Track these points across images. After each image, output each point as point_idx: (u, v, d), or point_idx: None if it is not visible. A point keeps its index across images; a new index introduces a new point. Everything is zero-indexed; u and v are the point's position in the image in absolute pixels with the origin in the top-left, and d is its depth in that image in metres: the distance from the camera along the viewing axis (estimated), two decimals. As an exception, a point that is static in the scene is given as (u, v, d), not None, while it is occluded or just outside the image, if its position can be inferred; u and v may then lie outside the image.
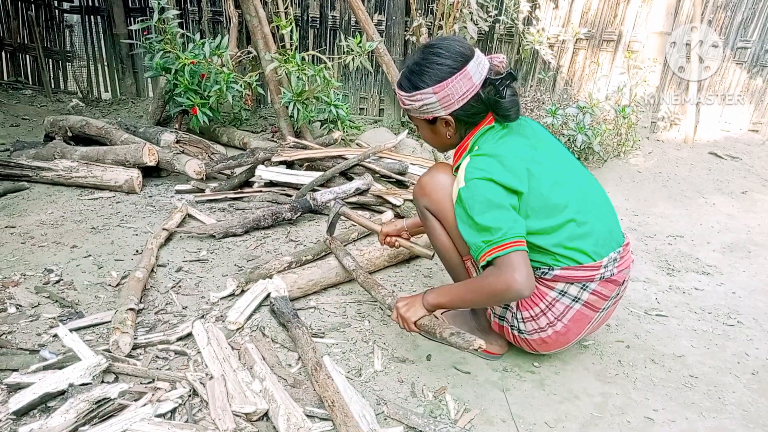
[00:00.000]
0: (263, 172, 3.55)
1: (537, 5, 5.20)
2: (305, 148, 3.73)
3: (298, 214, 3.19)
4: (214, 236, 2.92)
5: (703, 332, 2.43)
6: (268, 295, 2.30)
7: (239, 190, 3.58)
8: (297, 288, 2.35)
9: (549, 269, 1.76)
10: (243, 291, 2.35)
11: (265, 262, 2.59)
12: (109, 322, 2.01)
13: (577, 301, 1.79)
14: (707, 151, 5.11)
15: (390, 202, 3.44)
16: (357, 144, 4.25)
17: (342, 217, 2.57)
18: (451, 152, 1.90)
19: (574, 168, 1.84)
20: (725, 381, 2.05)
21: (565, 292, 1.78)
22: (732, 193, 4.43)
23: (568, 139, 4.21)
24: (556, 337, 1.83)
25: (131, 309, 1.97)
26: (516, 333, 1.89)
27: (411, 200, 3.42)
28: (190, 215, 3.21)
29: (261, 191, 3.58)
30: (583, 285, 1.77)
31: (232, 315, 2.10)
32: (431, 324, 1.72)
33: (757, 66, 5.23)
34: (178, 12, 4.24)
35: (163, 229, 2.85)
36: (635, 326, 2.43)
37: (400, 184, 3.77)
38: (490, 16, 5.03)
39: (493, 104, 1.72)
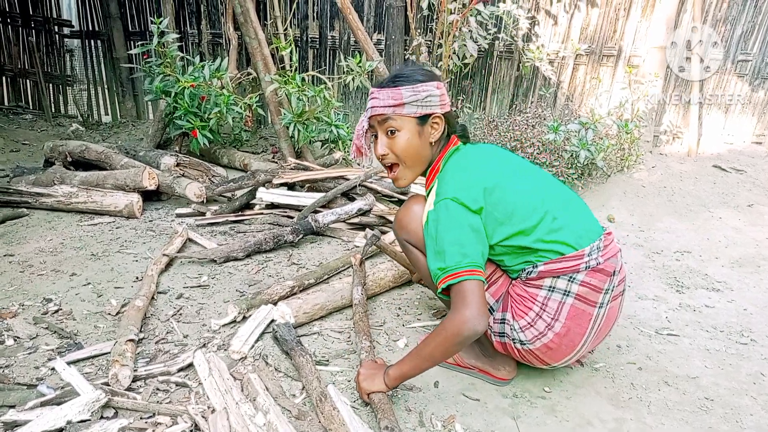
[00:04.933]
0: (264, 195, 3.53)
1: (536, 22, 5.21)
2: (306, 169, 3.71)
3: (300, 236, 3.16)
4: (215, 261, 2.89)
5: (716, 352, 2.38)
6: (272, 322, 2.26)
7: (240, 213, 3.55)
8: (303, 313, 2.31)
9: (533, 267, 1.76)
10: (245, 318, 2.31)
11: (267, 287, 2.55)
12: (109, 353, 1.97)
13: (568, 295, 1.75)
14: (711, 164, 5.08)
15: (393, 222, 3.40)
16: (358, 164, 4.23)
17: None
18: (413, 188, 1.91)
19: (539, 175, 1.90)
20: (742, 403, 1.99)
21: (554, 287, 1.75)
22: (738, 207, 4.39)
23: (571, 155, 4.18)
24: (559, 340, 1.78)
25: (131, 340, 1.93)
26: (519, 347, 1.84)
27: (417, 194, 3.39)
28: (190, 239, 3.18)
29: (262, 213, 3.55)
30: (570, 277, 1.74)
31: (236, 344, 2.05)
32: (378, 404, 1.71)
33: (759, 78, 5.22)
34: (177, 35, 4.25)
35: (164, 254, 2.82)
36: (646, 346, 2.38)
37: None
38: (490, 34, 5.03)
39: (455, 123, 1.92)
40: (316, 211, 3.46)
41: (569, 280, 1.75)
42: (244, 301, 2.36)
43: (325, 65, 5.66)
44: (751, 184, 4.78)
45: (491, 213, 1.72)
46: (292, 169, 3.66)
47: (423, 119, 1.82)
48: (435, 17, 5.04)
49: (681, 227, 3.99)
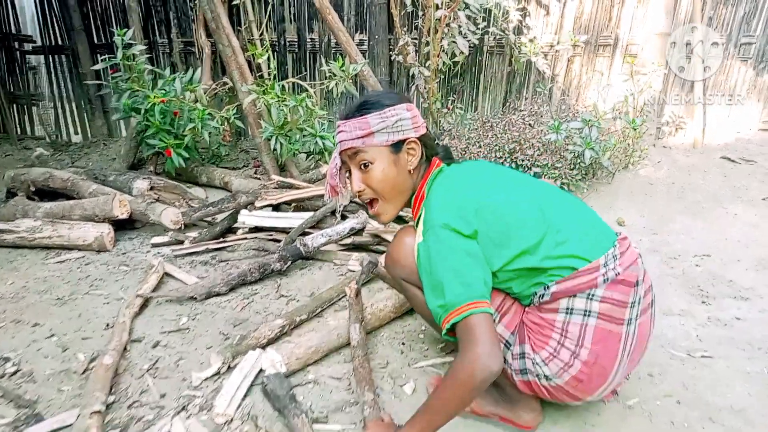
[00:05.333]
0: (247, 218, 3.30)
1: (527, 13, 5.01)
2: (291, 187, 3.48)
3: (289, 263, 2.93)
4: (196, 298, 2.65)
5: (758, 374, 2.19)
6: (261, 371, 2.04)
7: (222, 239, 3.32)
8: (295, 359, 2.09)
9: (545, 289, 1.58)
10: (230, 368, 2.08)
11: (254, 328, 2.32)
12: (72, 425, 1.73)
13: (589, 315, 1.55)
14: (719, 155, 4.90)
15: (388, 241, 3.19)
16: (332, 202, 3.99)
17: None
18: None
19: (534, 185, 1.74)
20: (800, 441, 1.79)
21: (572, 309, 1.56)
22: (752, 201, 4.21)
23: (574, 155, 3.98)
24: (589, 370, 1.57)
25: (96, 412, 1.69)
26: (546, 383, 1.63)
27: (409, 224, 3.18)
28: (168, 274, 2.94)
29: (246, 238, 3.32)
30: (589, 294, 1.55)
31: (220, 404, 1.83)
32: None
33: (763, 62, 5.05)
34: (145, 46, 4.01)
35: (137, 296, 2.58)
36: (680, 373, 2.18)
37: (399, 219, 3.52)
38: (479, 29, 4.83)
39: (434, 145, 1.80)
40: (304, 233, 3.23)
41: (588, 298, 1.56)
42: (229, 348, 2.14)
43: (306, 70, 5.43)
44: (763, 175, 4.60)
45: (487, 234, 1.56)
46: (275, 188, 3.43)
47: (397, 146, 1.70)
48: (420, 13, 4.83)
49: (696, 227, 3.80)
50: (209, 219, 3.56)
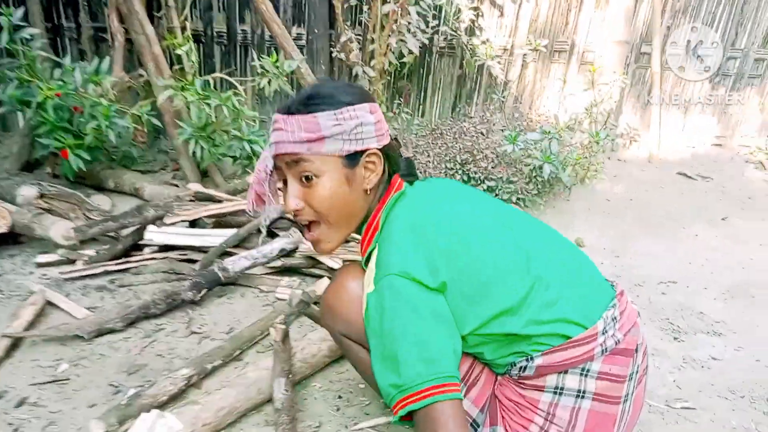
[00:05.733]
0: (155, 235, 2.83)
1: (480, 13, 4.74)
2: (210, 199, 3.04)
3: (203, 291, 2.49)
4: (83, 337, 2.18)
5: (745, 430, 1.95)
6: (155, 443, 1.61)
7: (124, 259, 2.83)
8: (202, 425, 1.68)
9: (528, 360, 1.24)
10: (115, 439, 1.64)
11: (153, 382, 1.88)
12: None
13: (583, 397, 1.23)
14: (675, 170, 4.79)
15: (324, 266, 2.81)
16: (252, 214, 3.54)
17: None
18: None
19: (517, 220, 1.39)
20: None
21: (562, 389, 1.24)
22: (711, 221, 4.08)
23: (532, 169, 3.71)
24: None
25: None
26: None
27: (352, 260, 2.80)
28: (51, 303, 2.44)
29: (154, 258, 2.86)
30: (583, 369, 1.23)
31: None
32: None
33: (719, 75, 4.97)
34: (39, 30, 3.47)
35: (4, 335, 2.08)
36: (662, 429, 1.92)
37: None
38: (430, 27, 4.51)
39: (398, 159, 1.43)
40: (226, 253, 2.80)
41: (582, 375, 1.24)
42: (116, 411, 1.70)
43: (236, 65, 4.96)
44: (720, 193, 4.51)
45: (458, 287, 1.21)
46: (191, 200, 2.98)
47: (352, 158, 1.30)
48: (366, 7, 4.47)
49: (658, 249, 3.60)
50: (113, 233, 3.05)
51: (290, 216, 1.40)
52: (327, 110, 1.25)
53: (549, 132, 3.62)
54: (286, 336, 1.93)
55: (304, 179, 1.30)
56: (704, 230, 3.92)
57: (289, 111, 1.28)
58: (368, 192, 1.34)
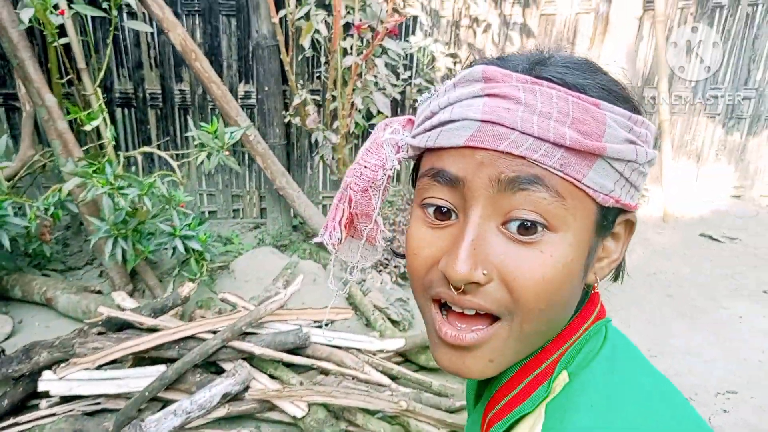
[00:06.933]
0: (53, 384, 2.19)
1: (458, 60, 4.28)
2: (129, 327, 2.40)
3: (114, 476, 1.86)
4: None
5: None
6: None
7: (12, 419, 2.18)
8: None
9: None
10: None
11: None
12: None
13: None
14: (695, 231, 4.34)
15: (285, 411, 2.20)
16: (224, 300, 2.85)
17: None
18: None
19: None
20: None
21: None
22: (752, 295, 3.60)
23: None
24: None
25: None
26: None
27: (322, 404, 2.19)
28: None
29: (54, 414, 2.21)
30: None
31: None
32: None
33: (733, 118, 4.58)
34: None
35: None
36: None
37: (305, 369, 2.51)
38: (401, 80, 4.03)
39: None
40: (155, 399, 2.18)
41: None
42: None
43: (174, 132, 4.41)
44: (752, 257, 4.04)
45: None
46: (99, 333, 2.34)
47: (608, 216, 0.64)
48: (324, 59, 3.97)
49: (700, 341, 3.08)
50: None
51: (457, 285, 0.61)
52: (621, 106, 0.61)
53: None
54: None
55: (522, 226, 0.60)
56: (746, 309, 3.43)
57: (537, 73, 0.61)
58: (587, 285, 0.69)
